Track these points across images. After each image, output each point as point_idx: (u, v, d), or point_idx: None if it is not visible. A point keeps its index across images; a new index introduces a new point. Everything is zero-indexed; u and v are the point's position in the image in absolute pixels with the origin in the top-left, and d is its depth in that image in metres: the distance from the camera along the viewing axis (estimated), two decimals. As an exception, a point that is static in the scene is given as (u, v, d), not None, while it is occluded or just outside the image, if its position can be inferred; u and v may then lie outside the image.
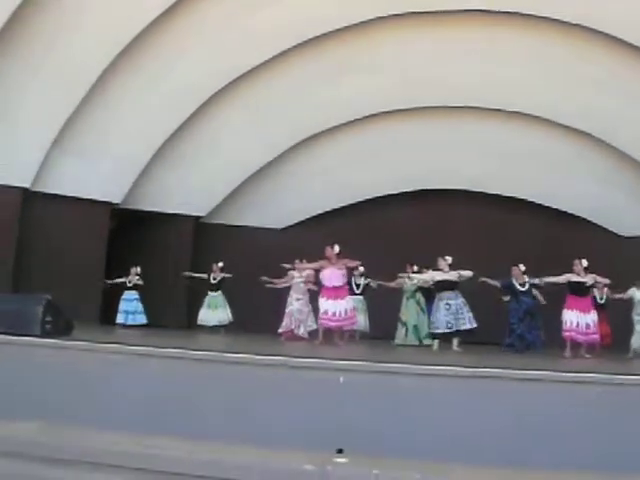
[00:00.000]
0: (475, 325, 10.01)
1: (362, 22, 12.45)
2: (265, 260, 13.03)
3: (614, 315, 11.55)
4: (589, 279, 9.82)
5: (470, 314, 10.03)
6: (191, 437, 5.16)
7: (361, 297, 12.44)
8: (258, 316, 12.43)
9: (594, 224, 14.49)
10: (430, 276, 10.47)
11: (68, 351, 6.24)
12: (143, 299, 13.11)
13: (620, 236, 14.35)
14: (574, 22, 12.00)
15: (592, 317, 9.74)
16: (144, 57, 12.45)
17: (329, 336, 10.01)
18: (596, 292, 11.87)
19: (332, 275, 9.90)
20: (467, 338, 10.15)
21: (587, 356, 9.66)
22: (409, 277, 11.47)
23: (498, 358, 8.79)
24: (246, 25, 12.36)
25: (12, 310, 6.93)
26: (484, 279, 10.28)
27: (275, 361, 5.76)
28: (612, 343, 11.72)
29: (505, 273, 10.64)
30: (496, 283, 10.67)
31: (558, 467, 4.98)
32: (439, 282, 10.23)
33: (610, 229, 14.45)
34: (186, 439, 4.08)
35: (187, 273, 13.58)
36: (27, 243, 12.47)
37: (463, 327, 9.93)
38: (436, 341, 10.20)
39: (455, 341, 9.99)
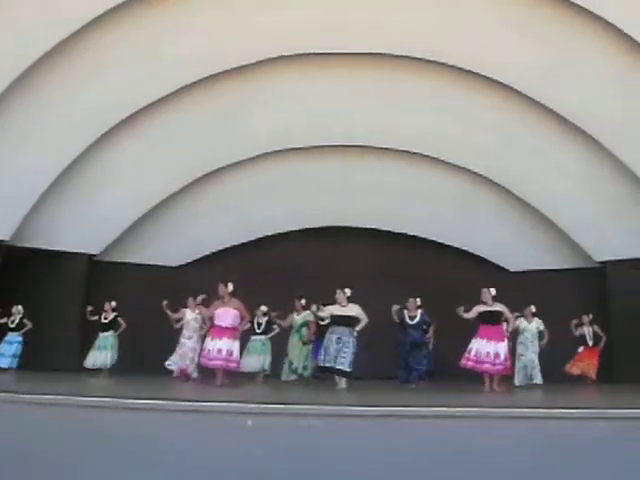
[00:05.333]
0: (349, 370, 9.73)
1: (266, 59, 12.56)
2: (161, 299, 12.78)
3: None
4: (498, 307, 10.04)
5: (352, 357, 9.73)
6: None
7: (263, 337, 12.28)
8: (149, 357, 12.15)
9: (484, 259, 15.02)
10: (329, 311, 10.07)
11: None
12: (26, 341, 12.58)
13: (508, 271, 14.92)
14: (470, 69, 12.57)
15: (503, 346, 9.86)
16: (37, 87, 12.08)
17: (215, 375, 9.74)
18: (585, 329, 12.35)
19: (224, 314, 9.73)
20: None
21: (498, 389, 9.73)
22: (313, 313, 11.34)
23: (405, 394, 8.88)
24: (150, 58, 12.27)
25: None
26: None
27: (182, 406, 5.62)
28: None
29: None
30: (395, 318, 10.83)
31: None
32: (335, 317, 9.98)
33: (499, 264, 15.01)
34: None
35: (88, 314, 12.89)
36: None
37: (338, 367, 9.72)
38: (343, 379, 9.83)
39: (343, 380, 9.80)
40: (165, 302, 11.81)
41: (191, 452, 5.28)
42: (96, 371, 12.32)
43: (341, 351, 9.72)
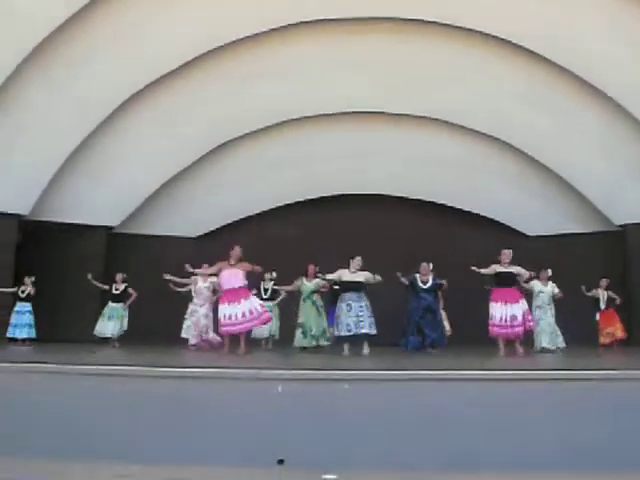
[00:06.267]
0: (374, 332, 9.73)
1: (274, 29, 12.47)
2: (179, 269, 12.81)
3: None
4: (513, 269, 9.92)
5: (371, 319, 9.75)
6: (128, 460, 5.05)
7: (270, 303, 12.25)
8: (167, 327, 12.24)
9: (502, 224, 14.98)
10: (338, 275, 10.07)
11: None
12: (37, 312, 12.58)
13: (526, 235, 14.88)
14: (483, 30, 12.40)
15: (520, 308, 9.73)
16: (50, 65, 12.05)
17: (234, 343, 9.60)
18: (600, 293, 12.29)
19: (231, 276, 9.59)
20: (366, 341, 9.84)
21: (520, 351, 9.65)
22: (320, 277, 11.29)
23: (425, 359, 8.86)
24: (162, 29, 12.17)
25: None
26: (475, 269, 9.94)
27: (209, 373, 5.66)
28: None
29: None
30: (405, 280, 10.78)
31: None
32: (344, 283, 9.97)
33: (517, 229, 14.96)
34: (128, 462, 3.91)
35: (91, 279, 12.76)
36: None
37: (362, 331, 9.66)
38: (346, 345, 9.82)
39: (365, 345, 9.75)
40: (167, 276, 11.71)
41: (221, 418, 5.33)
42: (105, 340, 12.41)
43: (357, 317, 9.68)
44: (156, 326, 12.85)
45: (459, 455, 4.96)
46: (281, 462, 5.33)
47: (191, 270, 10.80)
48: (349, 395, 5.39)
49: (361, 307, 9.77)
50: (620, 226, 14.09)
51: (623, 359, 9.81)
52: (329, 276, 10.38)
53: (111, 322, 12.46)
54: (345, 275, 9.98)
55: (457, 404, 5.33)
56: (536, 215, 14.75)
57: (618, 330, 12.43)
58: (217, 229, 15.23)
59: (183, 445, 5.10)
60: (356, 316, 9.70)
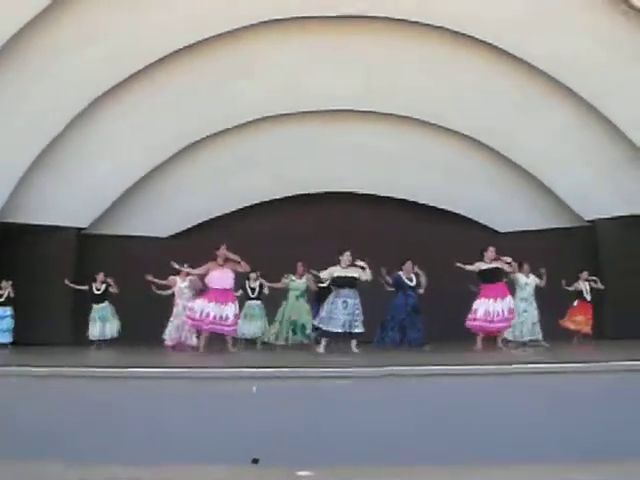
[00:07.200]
0: (363, 330, 9.70)
1: (244, 27, 12.36)
2: (151, 270, 12.70)
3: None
4: (498, 264, 10.02)
5: (362, 317, 9.69)
6: (106, 460, 4.99)
7: (258, 302, 12.31)
8: (141, 328, 12.16)
9: (473, 221, 15.05)
10: (329, 272, 9.88)
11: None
12: (19, 316, 12.56)
13: (497, 232, 14.94)
14: (451, 27, 12.41)
15: (507, 303, 9.87)
16: (18, 61, 11.82)
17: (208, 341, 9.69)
18: (581, 285, 12.32)
19: (222, 276, 9.62)
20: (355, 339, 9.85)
21: (500, 346, 9.80)
22: (312, 273, 11.21)
23: (406, 355, 8.88)
24: (132, 27, 11.98)
25: None
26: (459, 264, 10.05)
27: (184, 373, 5.61)
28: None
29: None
30: (388, 279, 10.77)
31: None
32: (338, 279, 9.79)
33: (488, 225, 15.04)
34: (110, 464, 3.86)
35: (68, 283, 12.93)
36: None
37: (355, 330, 9.59)
38: (324, 341, 9.77)
39: (353, 343, 9.68)
40: (149, 277, 11.64)
41: (199, 420, 5.29)
42: (103, 342, 12.41)
43: (353, 315, 9.59)
44: (130, 326, 12.77)
45: (439, 449, 4.97)
46: (256, 461, 5.30)
47: (177, 267, 10.75)
48: (340, 392, 5.39)
49: (356, 305, 9.66)
50: (590, 221, 14.23)
51: (604, 352, 9.89)
52: (321, 273, 10.28)
53: (108, 324, 12.47)
54: (338, 271, 9.81)
55: (438, 399, 5.35)
56: (506, 211, 14.83)
57: (586, 325, 12.47)
58: (190, 228, 15.13)
59: (161, 446, 5.04)
60: (351, 314, 9.59)
